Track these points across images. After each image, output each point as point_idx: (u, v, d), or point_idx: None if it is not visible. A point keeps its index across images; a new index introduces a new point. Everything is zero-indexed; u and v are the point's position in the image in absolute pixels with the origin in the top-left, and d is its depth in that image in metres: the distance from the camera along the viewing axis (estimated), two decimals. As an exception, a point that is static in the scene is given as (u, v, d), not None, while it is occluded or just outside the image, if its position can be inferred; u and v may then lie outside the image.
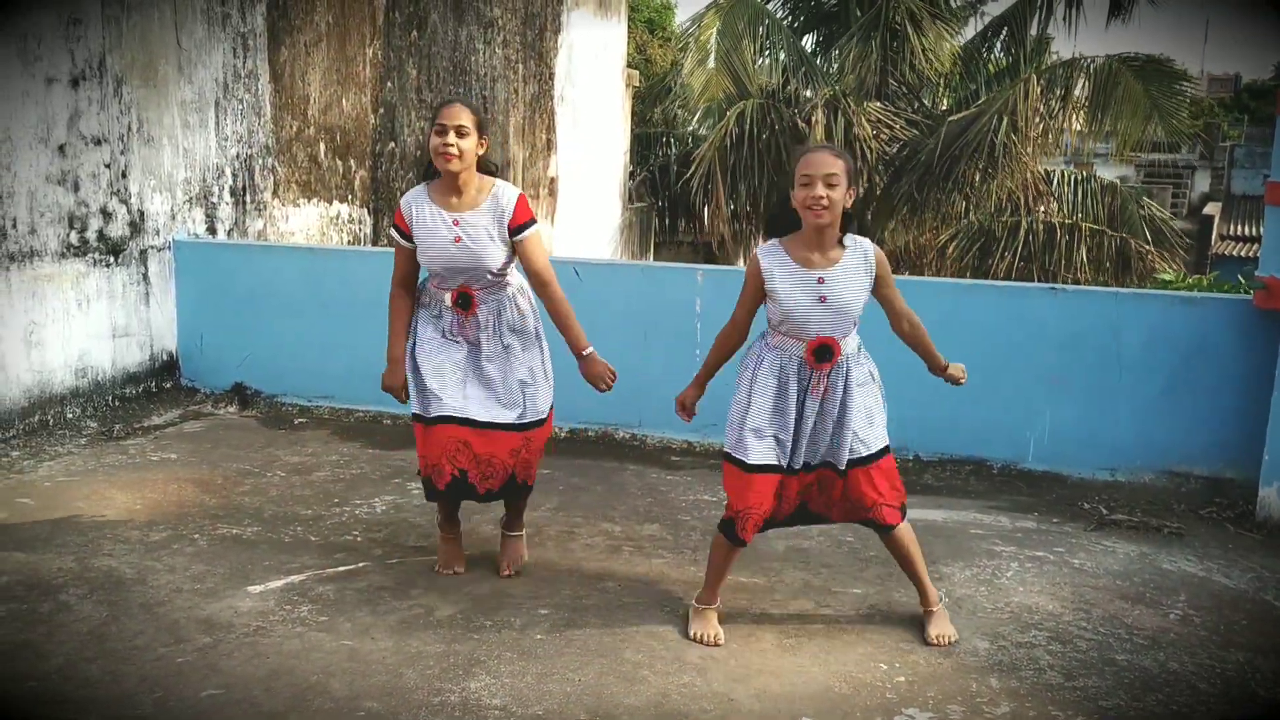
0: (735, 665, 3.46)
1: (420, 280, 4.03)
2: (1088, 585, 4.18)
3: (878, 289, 3.56)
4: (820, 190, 3.35)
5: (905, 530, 3.68)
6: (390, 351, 4.00)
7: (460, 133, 3.75)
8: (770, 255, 3.50)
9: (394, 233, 3.96)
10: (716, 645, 3.59)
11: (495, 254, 3.85)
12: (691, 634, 3.64)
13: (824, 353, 3.48)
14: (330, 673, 3.34)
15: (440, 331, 3.95)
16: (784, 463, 3.55)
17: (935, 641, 3.63)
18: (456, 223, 3.82)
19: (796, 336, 3.50)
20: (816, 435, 3.57)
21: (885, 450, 3.63)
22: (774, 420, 3.54)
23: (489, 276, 3.87)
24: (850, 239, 3.51)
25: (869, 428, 3.60)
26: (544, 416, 4.02)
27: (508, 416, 3.92)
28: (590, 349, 3.94)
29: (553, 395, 4.08)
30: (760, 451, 3.52)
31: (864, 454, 3.58)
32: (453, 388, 3.90)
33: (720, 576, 3.72)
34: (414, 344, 3.97)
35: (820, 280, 3.44)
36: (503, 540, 4.21)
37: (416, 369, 3.95)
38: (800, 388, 3.52)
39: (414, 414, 3.98)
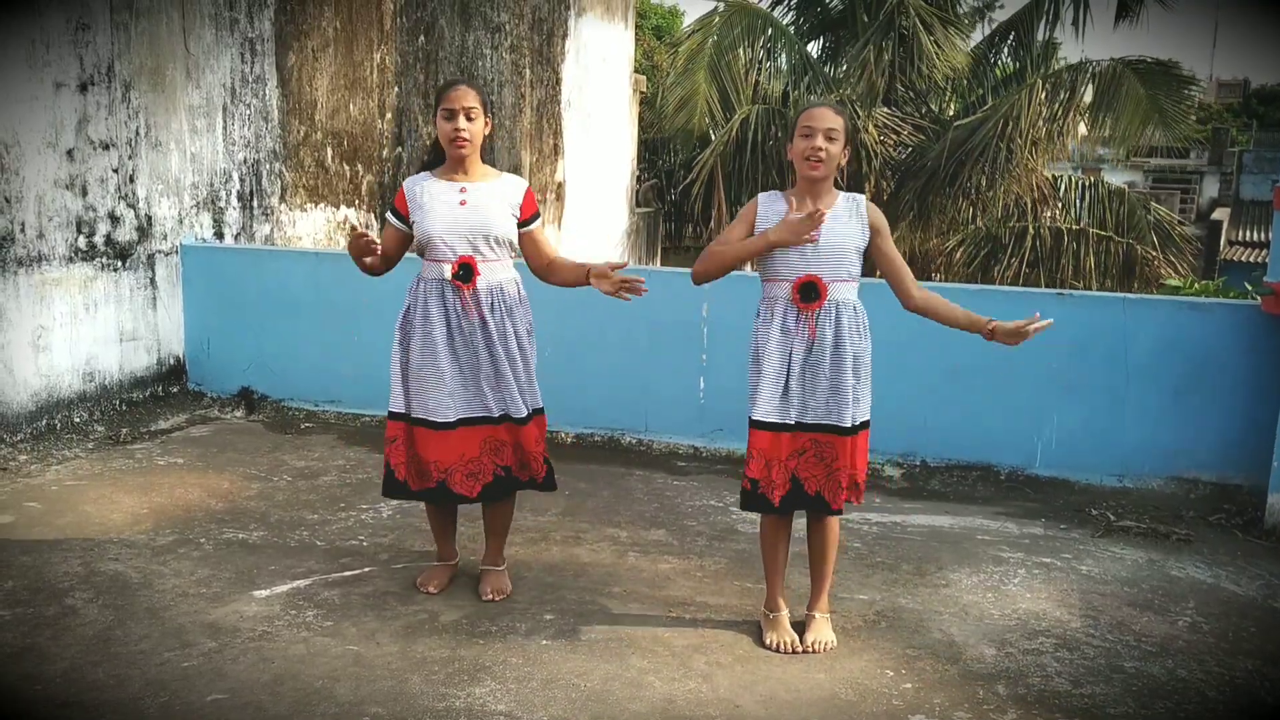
0: (741, 672, 3.45)
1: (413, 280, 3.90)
2: (1095, 592, 4.17)
3: (874, 241, 3.56)
4: (820, 142, 3.44)
5: (836, 523, 3.69)
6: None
7: (469, 115, 3.72)
8: (769, 200, 3.57)
9: (390, 214, 3.89)
10: (794, 652, 3.58)
11: (503, 222, 3.79)
12: (767, 642, 3.63)
13: (809, 290, 3.48)
14: (335, 678, 3.33)
15: (436, 328, 3.76)
16: (785, 419, 3.50)
17: (812, 648, 3.61)
18: (463, 190, 3.78)
19: (782, 277, 3.51)
20: (813, 386, 3.50)
21: (866, 425, 3.61)
22: (761, 370, 3.51)
23: (493, 248, 3.77)
24: (845, 194, 3.58)
25: (861, 398, 3.58)
26: (540, 407, 3.94)
27: (505, 409, 3.83)
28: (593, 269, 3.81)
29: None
30: (764, 405, 3.50)
31: (862, 419, 3.57)
32: (465, 390, 3.80)
33: (776, 572, 3.69)
34: (406, 354, 3.82)
35: None
36: (483, 571, 4.07)
37: (416, 372, 3.79)
38: (788, 333, 3.50)
39: (414, 418, 3.81)
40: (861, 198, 3.60)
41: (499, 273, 3.82)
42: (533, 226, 3.90)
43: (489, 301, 3.79)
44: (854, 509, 3.69)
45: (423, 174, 3.89)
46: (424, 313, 3.79)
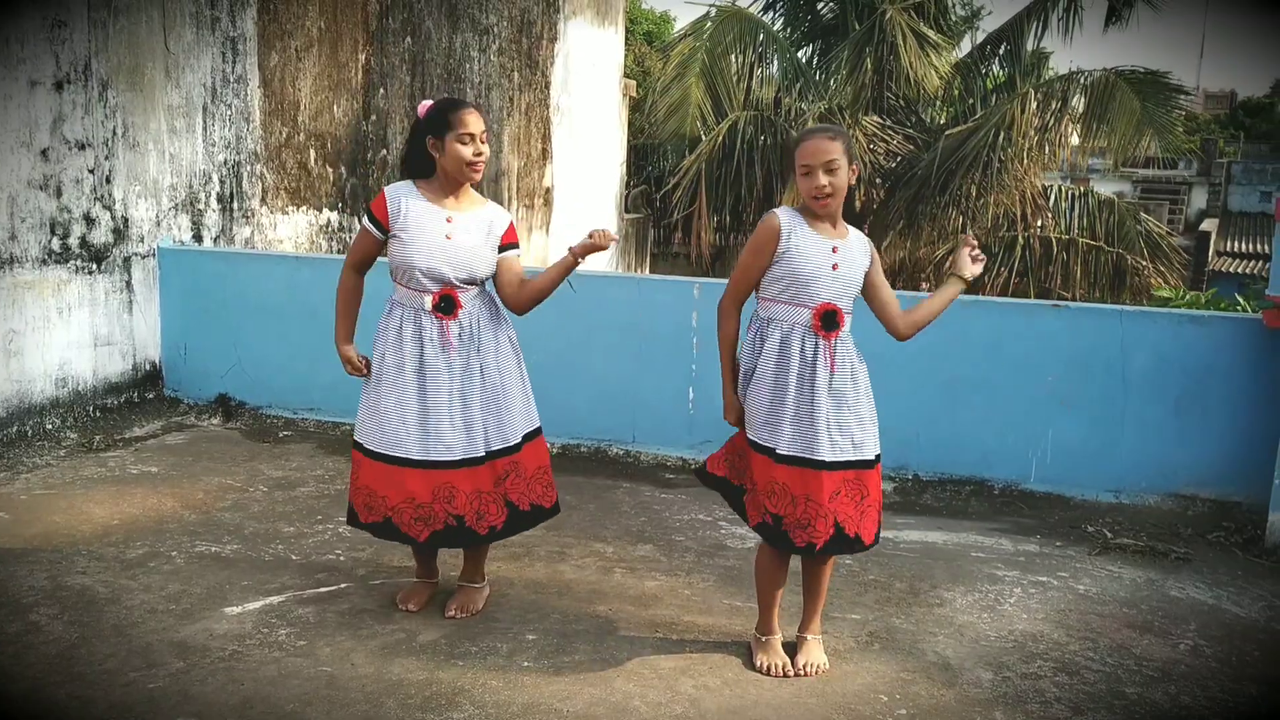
0: (730, 696, 3.32)
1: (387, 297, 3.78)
2: (1094, 613, 4.05)
3: (870, 273, 3.47)
4: (823, 179, 3.31)
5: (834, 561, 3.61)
6: (339, 332, 3.77)
7: (483, 140, 3.64)
8: (788, 215, 3.41)
9: (367, 220, 3.70)
10: (786, 676, 3.45)
11: (485, 257, 3.68)
12: (757, 664, 3.51)
13: (830, 320, 3.35)
14: (307, 701, 3.19)
15: (408, 358, 3.64)
16: (810, 454, 3.34)
17: (804, 671, 3.48)
18: (450, 220, 3.65)
19: (801, 303, 3.36)
20: (840, 420, 3.36)
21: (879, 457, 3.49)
22: (781, 401, 3.36)
23: (473, 282, 3.67)
24: (853, 228, 3.49)
25: (874, 427, 3.47)
26: (536, 427, 3.82)
27: (488, 445, 3.67)
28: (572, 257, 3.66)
29: (535, 410, 3.86)
30: (787, 438, 3.35)
31: (878, 451, 3.45)
32: (429, 427, 3.63)
33: (772, 602, 3.56)
34: (378, 370, 3.70)
35: (834, 249, 3.37)
36: (458, 587, 3.94)
37: (380, 400, 3.67)
38: (806, 360, 3.35)
39: (367, 449, 3.68)
40: (859, 231, 3.51)
41: (477, 299, 3.71)
42: (509, 254, 3.76)
43: (470, 334, 3.66)
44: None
45: (405, 185, 3.70)
46: (396, 341, 3.66)
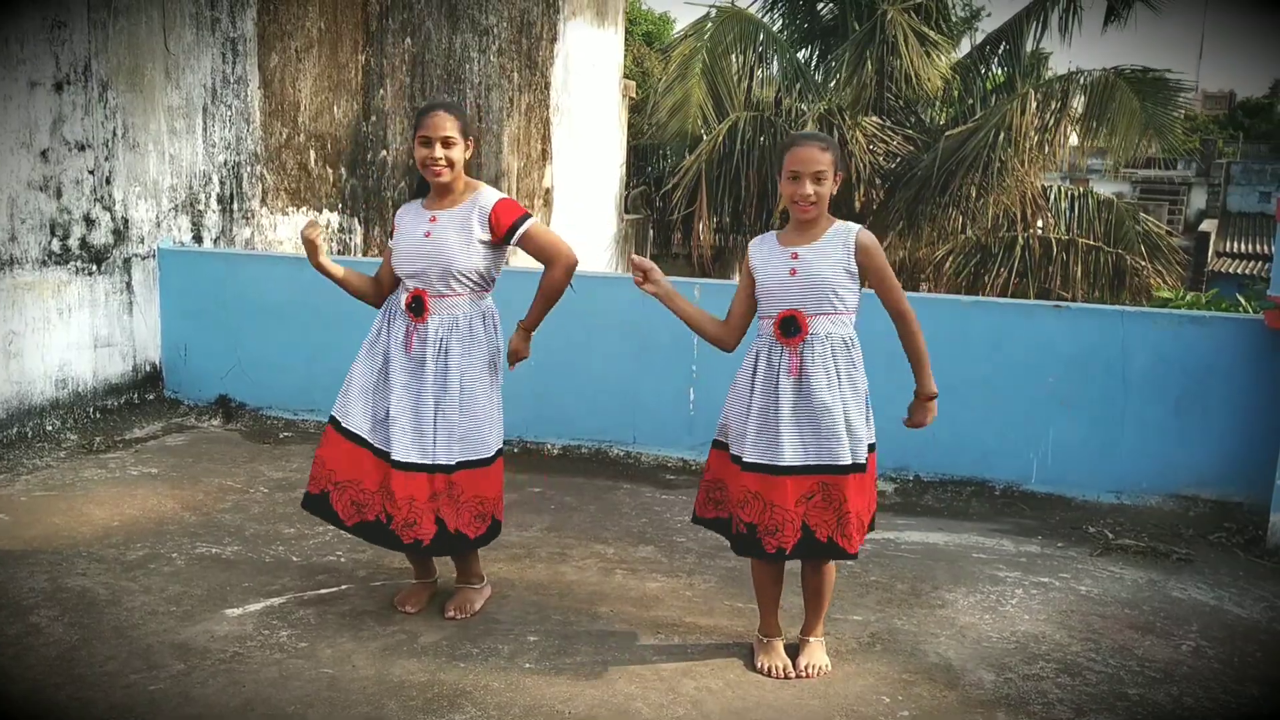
0: (732, 698, 3.32)
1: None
2: (1095, 614, 4.05)
3: (866, 272, 3.38)
4: (809, 189, 3.33)
5: (833, 565, 3.59)
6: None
7: (447, 144, 3.60)
8: (759, 241, 3.52)
9: (389, 237, 3.89)
10: (788, 677, 3.45)
11: (463, 255, 3.62)
12: (758, 666, 3.50)
13: (789, 325, 3.36)
14: (308, 703, 3.19)
15: (385, 344, 3.72)
16: (771, 459, 3.34)
17: (805, 672, 3.48)
18: (433, 219, 3.68)
19: (768, 314, 3.43)
20: (811, 424, 3.34)
21: (864, 467, 3.41)
22: (747, 409, 3.40)
23: (451, 284, 3.64)
24: (840, 224, 3.42)
25: (859, 435, 3.42)
26: (482, 458, 3.71)
27: (428, 457, 3.64)
28: (527, 331, 3.83)
29: (500, 437, 3.80)
30: (751, 445, 3.38)
31: (860, 459, 3.38)
32: (387, 419, 3.67)
33: (768, 599, 3.56)
34: (362, 349, 3.80)
35: (794, 255, 3.38)
36: (455, 588, 3.93)
37: (355, 377, 3.78)
38: (772, 369, 3.37)
39: (337, 422, 3.76)
40: (855, 227, 3.41)
41: (457, 308, 3.68)
42: (523, 231, 3.68)
43: (438, 340, 3.65)
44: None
45: (416, 200, 3.82)
46: (382, 325, 3.78)
